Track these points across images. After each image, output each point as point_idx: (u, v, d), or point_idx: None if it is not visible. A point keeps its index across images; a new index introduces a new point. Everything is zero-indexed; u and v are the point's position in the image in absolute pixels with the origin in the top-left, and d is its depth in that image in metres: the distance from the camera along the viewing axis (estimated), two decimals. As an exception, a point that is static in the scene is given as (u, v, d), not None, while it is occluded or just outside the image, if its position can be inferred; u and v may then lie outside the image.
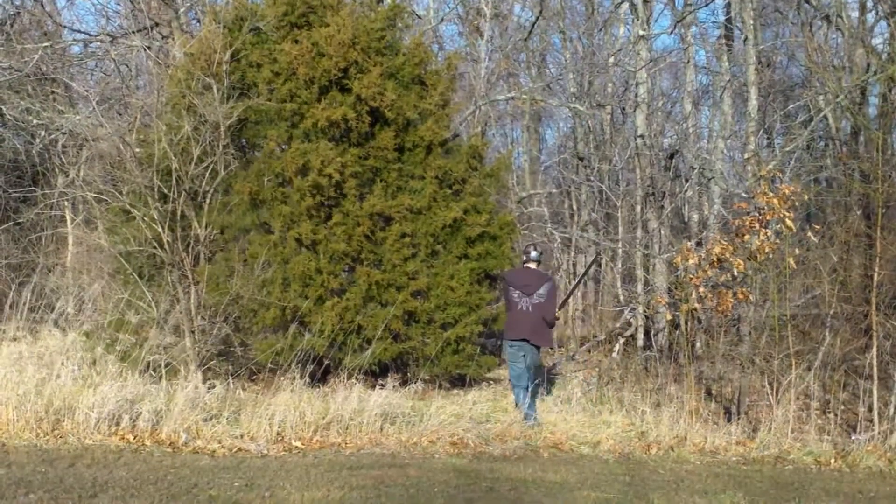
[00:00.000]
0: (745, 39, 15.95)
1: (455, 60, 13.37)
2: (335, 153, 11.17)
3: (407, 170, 11.91)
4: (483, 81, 18.06)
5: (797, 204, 11.31)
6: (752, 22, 15.93)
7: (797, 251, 11.41)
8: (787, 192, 10.96)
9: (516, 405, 10.75)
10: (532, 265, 10.92)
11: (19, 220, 15.21)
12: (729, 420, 10.78)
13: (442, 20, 20.72)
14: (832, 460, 9.70)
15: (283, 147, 11.76)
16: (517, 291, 10.76)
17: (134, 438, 8.67)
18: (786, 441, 10.08)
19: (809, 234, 11.75)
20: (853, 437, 10.25)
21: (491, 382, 12.36)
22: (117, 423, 8.82)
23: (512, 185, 17.85)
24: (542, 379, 11.31)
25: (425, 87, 12.22)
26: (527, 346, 10.75)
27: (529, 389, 10.74)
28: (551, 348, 10.96)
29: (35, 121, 15.20)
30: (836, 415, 10.64)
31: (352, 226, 11.25)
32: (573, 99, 19.19)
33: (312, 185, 11.09)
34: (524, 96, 19.49)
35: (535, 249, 11.03)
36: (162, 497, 7.03)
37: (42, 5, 18.34)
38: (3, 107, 15.12)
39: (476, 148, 12.43)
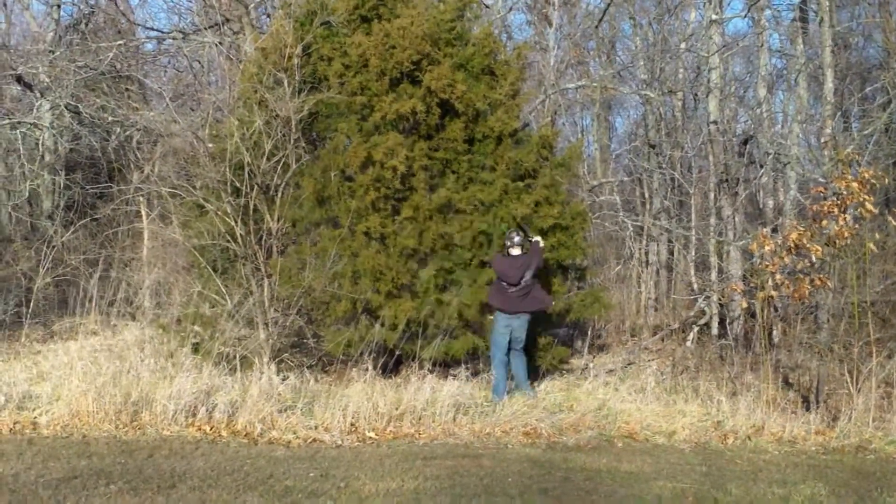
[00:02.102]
0: (821, 21, 15.61)
1: (524, 50, 13.27)
2: (400, 146, 11.13)
3: (477, 160, 11.85)
4: (552, 70, 17.93)
5: (877, 187, 11.05)
6: (827, 3, 15.58)
7: (877, 236, 11.17)
8: (866, 175, 10.71)
9: (497, 382, 10.88)
10: (516, 250, 11.08)
11: (96, 216, 15.49)
12: (807, 409, 10.59)
13: (511, 10, 20.60)
14: (915, 449, 9.49)
15: (351, 140, 11.77)
16: (503, 281, 10.97)
17: (210, 429, 8.79)
18: (867, 430, 9.88)
19: (890, 218, 11.48)
20: (937, 426, 10.01)
21: (564, 372, 12.29)
22: (194, 415, 8.96)
23: (583, 174, 17.71)
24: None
25: (495, 78, 12.14)
26: (524, 318, 10.95)
27: (523, 361, 11.08)
28: (549, 304, 10.94)
29: (110, 118, 15.46)
30: (919, 403, 10.40)
31: (423, 220, 11.22)
32: (644, 86, 18.95)
33: (375, 178, 11.09)
34: (594, 84, 19.32)
35: (518, 234, 11.15)
36: (239, 487, 7.12)
37: (116, 4, 18.61)
38: (79, 105, 15.40)
39: (546, 138, 12.33)
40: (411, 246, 11.15)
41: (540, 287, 11.14)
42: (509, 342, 10.97)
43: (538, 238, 11.22)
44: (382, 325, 11.01)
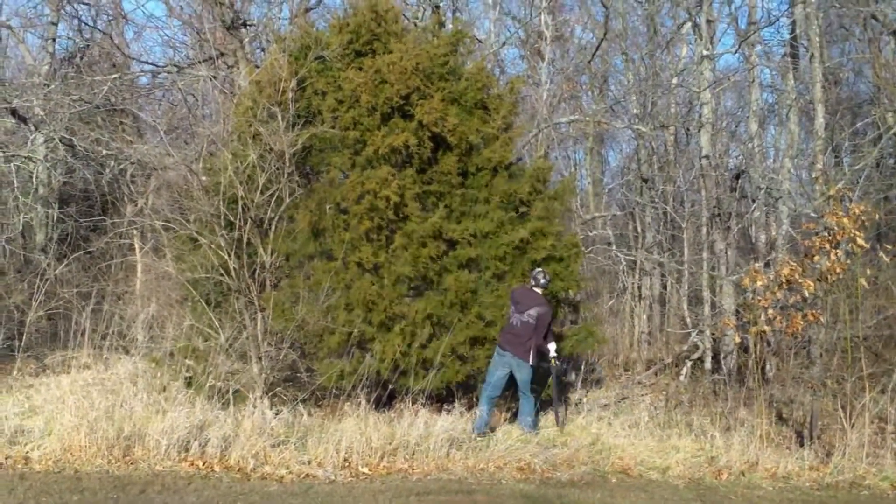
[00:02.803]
0: (811, 57, 15.76)
1: (517, 84, 13.34)
2: (392, 176, 11.16)
3: (471, 194, 11.89)
4: (545, 104, 18.04)
5: (867, 223, 11.10)
6: (817, 39, 15.74)
7: (868, 271, 11.20)
8: (857, 211, 10.76)
9: (479, 416, 10.79)
10: (538, 290, 11.12)
11: (90, 249, 15.47)
12: (801, 445, 10.58)
13: (504, 44, 20.79)
14: (909, 486, 9.48)
15: (346, 174, 11.80)
16: (513, 306, 11.03)
17: (203, 464, 8.75)
18: (861, 466, 9.88)
19: (881, 253, 11.52)
20: (931, 462, 10.00)
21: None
22: (187, 450, 8.92)
23: (576, 208, 17.75)
24: (535, 398, 11.29)
25: (488, 112, 12.21)
26: (513, 361, 10.91)
27: (524, 404, 11.06)
28: (528, 361, 10.89)
29: (105, 151, 15.49)
30: (912, 439, 10.40)
31: (416, 247, 11.24)
32: (636, 120, 19.05)
33: (369, 207, 11.13)
34: (587, 118, 19.43)
35: (545, 277, 11.21)
36: (231, 523, 7.09)
37: (111, 38, 18.72)
38: (73, 138, 15.43)
39: (541, 170, 12.38)
40: (406, 273, 11.16)
41: (534, 340, 11.01)
42: (508, 381, 10.96)
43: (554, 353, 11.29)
44: (373, 356, 11.00)
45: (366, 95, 11.56)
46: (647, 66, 20.66)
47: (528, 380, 11.00)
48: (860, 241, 10.65)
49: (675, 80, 19.24)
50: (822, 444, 10.60)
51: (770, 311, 11.03)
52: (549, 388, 11.61)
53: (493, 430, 10.86)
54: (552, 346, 11.18)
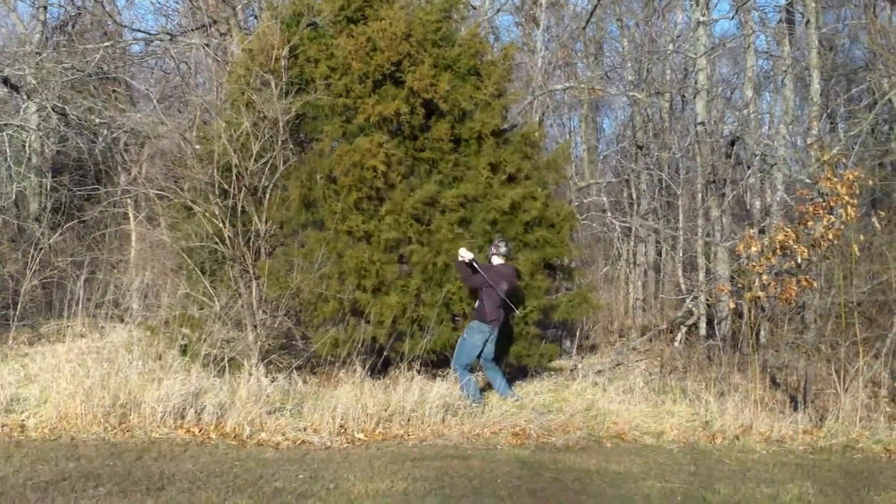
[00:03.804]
0: (807, 23, 15.69)
1: (511, 51, 13.28)
2: (379, 146, 11.13)
3: (463, 160, 11.88)
4: (540, 71, 17.96)
5: (861, 189, 11.10)
6: (813, 5, 15.65)
7: (862, 237, 11.21)
8: (850, 177, 10.76)
9: (466, 393, 10.58)
10: (500, 259, 11.17)
11: (83, 218, 15.44)
12: (795, 409, 10.63)
13: (498, 11, 20.64)
14: (902, 448, 9.54)
15: (338, 141, 11.76)
16: (502, 282, 10.92)
17: (199, 431, 8.78)
18: (854, 430, 9.93)
19: (874, 220, 11.53)
20: (923, 425, 10.07)
21: (552, 373, 12.30)
22: (182, 417, 8.94)
23: (571, 175, 17.73)
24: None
25: (481, 78, 12.15)
26: (496, 332, 10.95)
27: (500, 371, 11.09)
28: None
29: (97, 120, 15.42)
30: (905, 402, 10.46)
31: (406, 215, 11.24)
32: (631, 87, 19.02)
33: (357, 178, 11.12)
34: (582, 85, 19.37)
35: (506, 245, 11.23)
36: (228, 489, 7.10)
37: (103, 5, 18.58)
38: (66, 106, 15.35)
39: (529, 135, 12.36)
40: (393, 237, 11.16)
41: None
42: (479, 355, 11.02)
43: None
44: (368, 322, 11.02)
45: (356, 63, 11.51)
46: (642, 33, 20.60)
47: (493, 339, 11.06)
48: (851, 210, 10.65)
49: (670, 47, 19.19)
50: (815, 409, 10.66)
51: (764, 276, 11.04)
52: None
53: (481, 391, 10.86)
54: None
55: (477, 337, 10.83)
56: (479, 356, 10.92)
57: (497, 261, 11.14)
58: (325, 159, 11.50)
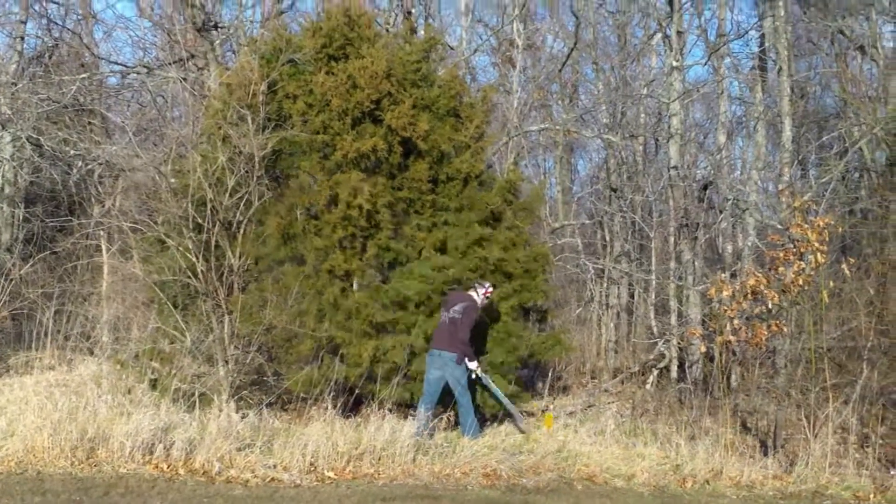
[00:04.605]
0: (779, 70, 15.90)
1: (490, 92, 13.41)
2: (363, 183, 11.18)
3: (441, 202, 11.92)
4: (516, 112, 18.09)
5: (831, 236, 11.21)
6: (785, 53, 15.88)
7: (832, 283, 11.31)
8: (821, 223, 10.87)
9: (417, 420, 10.69)
10: (472, 294, 11.32)
11: (55, 250, 15.32)
12: (765, 454, 10.66)
13: (475, 52, 20.83)
14: (871, 495, 9.57)
15: (315, 178, 11.77)
16: (442, 308, 11.22)
17: (168, 467, 8.69)
18: (823, 475, 9.96)
19: (844, 267, 11.64)
20: (892, 472, 10.11)
21: (524, 414, 12.28)
22: (151, 452, 8.84)
23: (545, 216, 17.81)
24: (470, 398, 11.20)
25: (460, 120, 12.23)
26: (445, 357, 10.93)
27: (461, 405, 11.01)
28: (463, 359, 10.93)
29: (72, 151, 15.34)
30: (874, 449, 10.50)
31: (391, 258, 11.30)
32: (606, 130, 19.14)
33: (342, 216, 11.14)
34: (557, 127, 19.50)
35: (482, 287, 11.43)
36: (195, 527, 7.04)
37: (80, 37, 18.57)
38: (41, 137, 15.29)
39: (512, 182, 12.44)
40: (402, 292, 11.25)
41: (461, 335, 11.06)
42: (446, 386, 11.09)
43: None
44: (343, 362, 10.98)
45: (336, 100, 11.55)
46: (617, 77, 20.79)
47: (460, 376, 10.98)
48: (821, 257, 10.76)
49: (644, 91, 19.36)
50: (785, 454, 10.69)
51: (735, 321, 11.11)
52: (494, 401, 11.66)
53: (431, 436, 10.77)
54: (473, 365, 11.17)
55: (426, 365, 11.14)
56: (437, 388, 11.06)
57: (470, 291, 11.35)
58: (305, 194, 11.50)
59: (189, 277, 10.90)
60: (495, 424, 11.69)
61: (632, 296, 18.39)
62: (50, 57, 18.27)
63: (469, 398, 11.09)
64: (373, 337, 11.14)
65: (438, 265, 11.52)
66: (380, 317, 11.15)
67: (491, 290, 11.46)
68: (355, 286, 11.45)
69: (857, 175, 19.51)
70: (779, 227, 13.57)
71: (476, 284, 11.41)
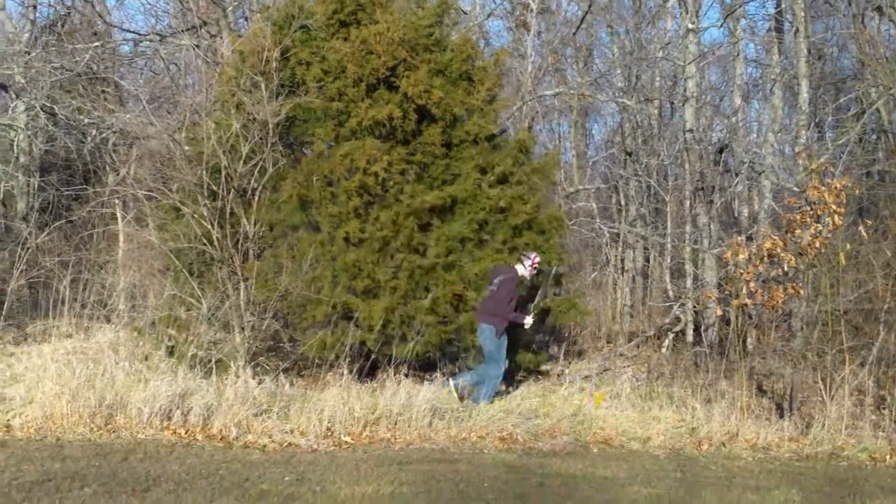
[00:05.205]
0: (796, 31, 15.77)
1: (503, 56, 13.31)
2: (381, 151, 11.16)
3: (454, 165, 11.88)
4: (530, 77, 17.97)
5: (848, 198, 11.14)
6: (802, 14, 15.73)
7: (849, 246, 11.26)
8: (838, 186, 10.81)
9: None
10: (516, 265, 11.48)
11: (71, 218, 15.36)
12: (781, 416, 10.66)
13: (489, 16, 20.66)
14: (888, 456, 9.58)
15: (330, 145, 11.74)
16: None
17: (185, 433, 8.75)
18: (840, 437, 9.97)
19: (861, 229, 11.57)
20: (909, 433, 10.11)
21: (539, 377, 12.31)
22: (169, 418, 8.89)
23: (560, 181, 17.74)
24: (495, 375, 11.21)
25: (472, 83, 12.15)
26: (482, 327, 11.13)
27: (486, 372, 11.09)
28: (490, 325, 11.05)
29: (86, 120, 15.34)
30: (890, 411, 10.49)
31: (401, 220, 11.23)
32: (621, 94, 19.01)
33: (359, 185, 11.12)
34: (571, 91, 19.37)
35: (528, 258, 11.55)
36: (214, 491, 7.09)
37: (92, 5, 18.49)
38: (55, 106, 15.28)
39: (523, 142, 12.36)
40: (387, 240, 11.16)
41: (499, 317, 11.19)
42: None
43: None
44: (358, 326, 11.01)
45: (352, 66, 11.49)
46: (632, 40, 20.62)
47: (492, 348, 11.09)
48: (837, 219, 10.72)
49: (659, 54, 19.21)
50: (801, 416, 10.69)
51: (752, 284, 11.08)
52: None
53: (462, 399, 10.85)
54: (528, 320, 11.36)
55: None
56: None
57: (517, 265, 11.50)
58: (323, 161, 11.47)
59: (204, 245, 10.91)
60: (509, 389, 11.71)
61: (647, 260, 18.34)
62: (62, 25, 18.22)
63: (498, 372, 11.12)
64: (382, 298, 11.14)
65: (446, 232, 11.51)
66: (381, 274, 11.17)
67: (538, 259, 11.55)
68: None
69: (874, 137, 19.33)
70: (795, 189, 13.51)
71: (523, 256, 11.53)
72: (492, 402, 10.91)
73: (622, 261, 17.92)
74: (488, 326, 11.05)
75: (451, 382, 10.93)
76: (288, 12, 12.09)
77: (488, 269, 11.40)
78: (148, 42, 17.76)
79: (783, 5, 18.35)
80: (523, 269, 11.42)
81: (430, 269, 11.32)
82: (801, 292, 11.28)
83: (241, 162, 10.88)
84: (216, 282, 10.98)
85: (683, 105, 16.45)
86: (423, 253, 11.41)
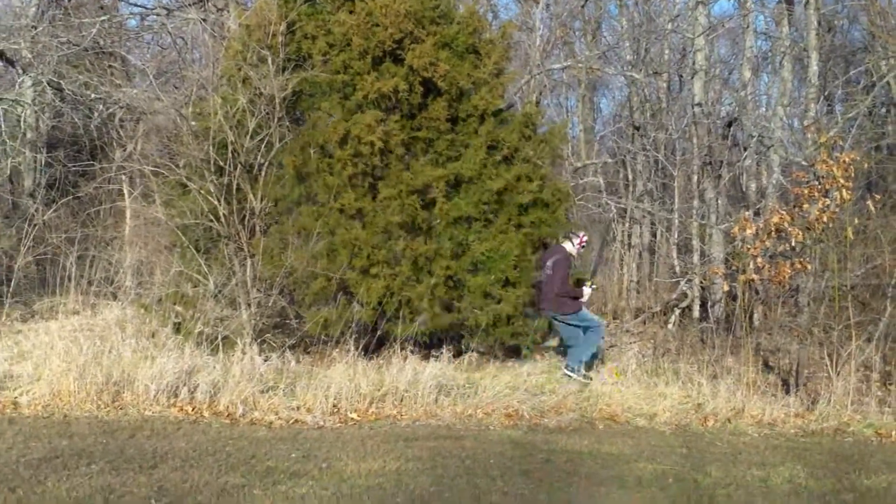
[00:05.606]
0: (806, 3, 15.65)
1: (510, 29, 13.21)
2: (378, 122, 11.08)
3: (460, 140, 11.80)
4: (538, 50, 17.88)
5: (857, 172, 11.09)
6: (812, -15, 15.60)
7: (857, 220, 11.21)
8: (846, 160, 10.75)
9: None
10: (564, 243, 11.72)
11: (78, 194, 15.36)
12: (787, 392, 10.66)
13: (497, -13, 20.54)
14: (893, 432, 9.58)
15: (332, 117, 11.69)
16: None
17: (192, 410, 8.78)
18: (845, 413, 9.98)
19: (869, 203, 11.52)
20: (914, 409, 10.11)
21: (545, 354, 12.31)
22: (176, 395, 8.93)
23: (567, 156, 17.67)
24: (594, 341, 11.49)
25: (479, 57, 12.06)
26: (557, 321, 11.53)
27: (576, 349, 11.38)
28: (558, 312, 11.19)
29: (93, 95, 15.32)
30: (897, 386, 10.49)
31: (405, 194, 11.19)
32: (629, 67, 18.94)
33: (353, 153, 11.07)
34: (580, 65, 19.29)
35: (575, 235, 11.80)
36: (221, 468, 7.12)
37: (99, -21, 18.44)
38: (61, 81, 15.26)
39: (530, 116, 12.29)
40: (395, 221, 11.11)
41: (563, 299, 11.40)
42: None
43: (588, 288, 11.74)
44: (360, 303, 11.01)
45: (357, 38, 11.41)
46: (640, 12, 20.51)
47: (567, 332, 11.51)
48: (846, 193, 10.68)
49: (668, 27, 19.09)
50: (807, 392, 10.69)
51: (759, 259, 11.06)
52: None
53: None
54: (587, 290, 11.65)
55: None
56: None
57: (565, 243, 11.74)
58: (319, 132, 11.42)
59: (211, 221, 10.92)
60: (515, 365, 11.71)
61: (654, 235, 18.33)
62: (69, 0, 18.17)
63: (596, 337, 11.54)
64: (380, 278, 11.13)
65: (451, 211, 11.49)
66: (380, 255, 11.14)
67: (585, 238, 11.79)
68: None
69: (883, 110, 19.25)
70: (804, 163, 13.45)
71: (570, 234, 11.73)
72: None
73: (629, 236, 17.90)
74: (561, 316, 11.41)
75: (567, 371, 11.21)
76: (293, -15, 12.02)
77: (493, 249, 11.37)
78: (154, 16, 17.69)
79: (793, -23, 18.22)
80: (571, 247, 11.63)
81: (433, 255, 11.28)
82: (809, 267, 11.25)
83: (248, 137, 10.86)
84: (223, 258, 10.98)
85: (692, 78, 16.35)
86: (426, 231, 11.36)
